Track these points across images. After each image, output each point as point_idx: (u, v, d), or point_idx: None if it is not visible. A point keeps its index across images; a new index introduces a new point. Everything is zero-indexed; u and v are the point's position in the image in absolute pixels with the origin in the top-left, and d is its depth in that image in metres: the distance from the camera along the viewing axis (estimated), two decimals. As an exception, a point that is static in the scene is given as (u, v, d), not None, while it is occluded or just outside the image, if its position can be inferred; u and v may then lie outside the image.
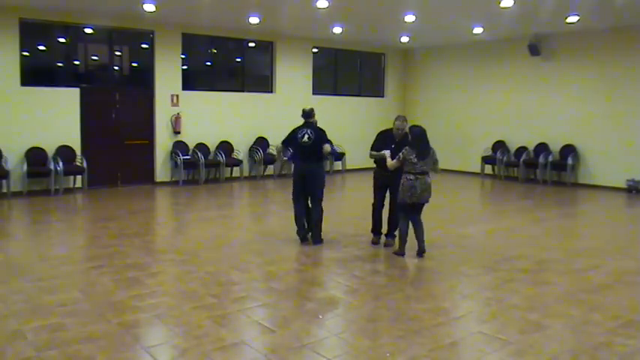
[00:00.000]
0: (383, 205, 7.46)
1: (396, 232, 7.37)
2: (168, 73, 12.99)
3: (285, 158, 7.17)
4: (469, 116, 15.86)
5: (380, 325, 4.85)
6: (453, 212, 10.21)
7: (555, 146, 13.96)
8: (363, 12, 11.49)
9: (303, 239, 7.47)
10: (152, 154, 13.02)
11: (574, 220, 10.27)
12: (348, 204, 11.26)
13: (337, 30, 13.56)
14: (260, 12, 11.57)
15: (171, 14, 11.86)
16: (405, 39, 15.17)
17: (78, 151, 11.85)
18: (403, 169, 6.76)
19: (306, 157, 7.33)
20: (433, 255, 6.98)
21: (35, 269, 6.22)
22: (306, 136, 7.23)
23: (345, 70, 17.03)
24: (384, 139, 7.32)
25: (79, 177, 11.89)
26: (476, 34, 13.90)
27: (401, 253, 6.89)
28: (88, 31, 12.28)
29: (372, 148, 7.40)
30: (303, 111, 7.41)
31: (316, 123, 7.51)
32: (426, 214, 7.29)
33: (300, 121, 7.46)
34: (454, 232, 8.34)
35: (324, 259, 7.00)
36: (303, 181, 7.37)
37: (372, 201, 7.53)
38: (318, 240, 7.44)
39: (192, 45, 13.63)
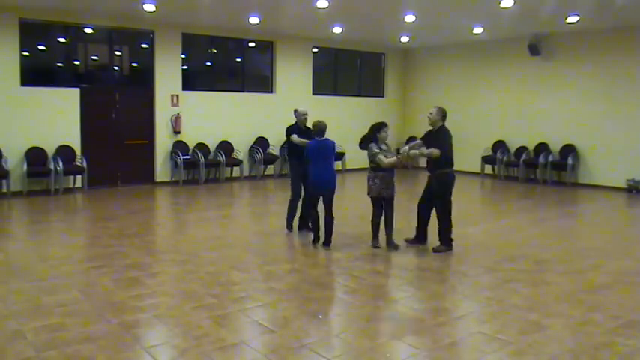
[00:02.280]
0: None
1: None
2: (168, 73, 12.99)
3: None
4: (469, 116, 15.85)
5: (380, 325, 4.85)
6: (453, 212, 10.18)
7: (555, 146, 13.96)
8: (363, 12, 11.49)
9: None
10: (152, 154, 13.02)
11: (574, 220, 10.27)
12: (348, 204, 11.24)
13: (337, 30, 13.56)
14: (260, 12, 11.56)
15: (171, 14, 11.86)
16: (405, 39, 15.17)
17: (78, 151, 11.85)
18: (375, 166, 7.03)
19: None
20: (433, 255, 6.98)
21: (35, 269, 6.22)
22: None
23: (345, 70, 17.03)
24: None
25: (79, 177, 11.89)
26: (476, 34, 13.89)
27: (377, 245, 7.20)
28: (88, 31, 12.28)
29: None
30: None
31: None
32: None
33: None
34: (454, 232, 8.31)
35: (324, 259, 7.00)
36: None
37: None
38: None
39: (192, 45, 13.62)
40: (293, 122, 8.12)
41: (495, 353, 4.20)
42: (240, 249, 7.34)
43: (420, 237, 7.40)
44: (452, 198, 7.15)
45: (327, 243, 7.29)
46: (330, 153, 7.38)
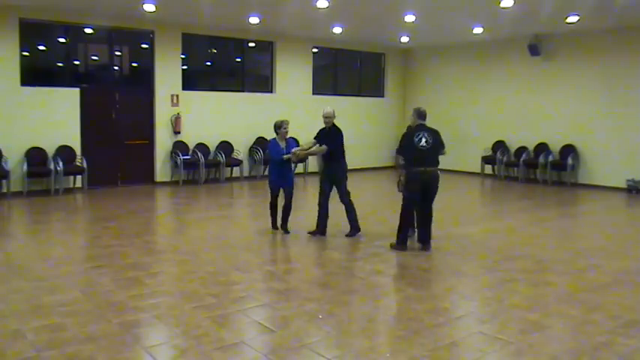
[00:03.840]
0: None
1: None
2: (168, 73, 12.99)
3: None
4: (469, 116, 15.86)
5: (380, 325, 4.85)
6: (453, 212, 10.19)
7: (555, 146, 13.96)
8: (363, 12, 11.49)
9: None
10: (152, 154, 13.02)
11: (574, 220, 10.27)
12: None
13: (337, 30, 13.56)
14: (260, 12, 11.57)
15: (171, 14, 11.86)
16: (405, 39, 15.17)
17: (78, 151, 11.85)
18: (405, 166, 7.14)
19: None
20: (433, 255, 6.99)
21: (35, 269, 6.22)
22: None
23: (345, 70, 17.03)
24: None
25: (79, 177, 11.89)
26: (476, 34, 13.90)
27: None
28: (88, 31, 12.28)
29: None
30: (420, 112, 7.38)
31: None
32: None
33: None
34: (454, 232, 8.33)
35: (324, 259, 7.00)
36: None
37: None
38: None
39: (192, 45, 13.63)
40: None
41: (495, 353, 4.20)
42: (240, 249, 7.33)
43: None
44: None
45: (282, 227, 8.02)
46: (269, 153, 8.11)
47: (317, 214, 7.86)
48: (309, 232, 7.94)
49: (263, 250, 7.31)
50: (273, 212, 8.11)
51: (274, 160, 7.94)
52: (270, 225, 8.13)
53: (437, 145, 7.03)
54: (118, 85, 12.87)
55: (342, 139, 7.87)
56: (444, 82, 16.48)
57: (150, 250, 7.32)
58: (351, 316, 5.01)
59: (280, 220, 8.03)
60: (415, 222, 7.43)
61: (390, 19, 12.15)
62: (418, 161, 6.92)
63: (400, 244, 7.09)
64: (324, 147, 7.73)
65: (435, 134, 7.08)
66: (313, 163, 14.32)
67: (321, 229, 7.86)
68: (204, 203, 11.46)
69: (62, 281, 5.78)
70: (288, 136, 7.92)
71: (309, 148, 8.01)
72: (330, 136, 7.78)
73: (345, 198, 7.80)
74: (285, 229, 7.97)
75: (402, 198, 7.20)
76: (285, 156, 7.79)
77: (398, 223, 7.15)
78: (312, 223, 8.08)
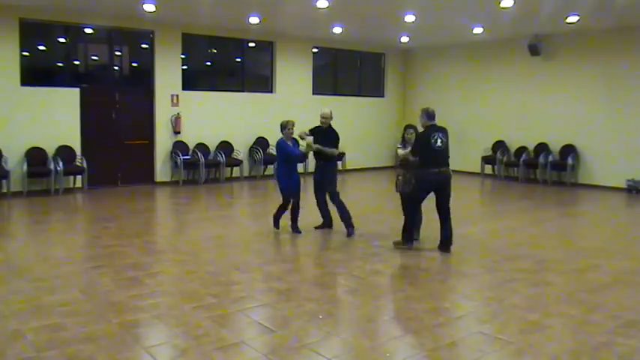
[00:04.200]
0: None
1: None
2: (168, 73, 12.98)
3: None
4: (469, 116, 15.86)
5: (380, 325, 4.85)
6: (453, 212, 10.17)
7: (555, 146, 13.96)
8: (363, 12, 11.49)
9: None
10: (152, 154, 13.02)
11: (574, 220, 10.27)
12: (349, 204, 11.23)
13: (337, 30, 13.56)
14: (260, 12, 11.57)
15: (171, 14, 11.86)
16: (405, 39, 15.17)
17: (78, 151, 11.85)
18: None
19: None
20: (434, 255, 6.99)
21: (35, 269, 6.22)
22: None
23: (345, 70, 17.03)
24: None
25: (79, 177, 11.89)
26: (476, 34, 13.89)
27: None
28: (88, 31, 12.28)
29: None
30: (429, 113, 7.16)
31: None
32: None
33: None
34: (454, 232, 8.31)
35: (324, 259, 7.01)
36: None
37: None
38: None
39: (192, 45, 13.63)
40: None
41: (495, 353, 4.20)
42: (240, 249, 7.34)
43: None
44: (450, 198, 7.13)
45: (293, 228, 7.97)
46: (278, 154, 7.98)
47: (318, 209, 8.11)
48: (315, 227, 8.11)
49: (263, 250, 7.31)
50: (278, 213, 7.96)
51: (290, 160, 7.72)
52: (271, 225, 8.11)
53: (448, 143, 7.05)
54: (118, 85, 12.86)
55: (338, 141, 8.02)
56: (444, 82, 16.48)
57: (150, 250, 7.31)
58: (351, 316, 5.02)
59: (290, 221, 7.95)
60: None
61: (390, 19, 12.15)
62: (434, 162, 6.90)
63: (405, 242, 7.09)
64: (335, 150, 7.87)
65: (446, 133, 7.07)
66: (312, 164, 14.32)
67: (326, 222, 8.11)
68: (204, 203, 11.46)
69: (62, 281, 5.78)
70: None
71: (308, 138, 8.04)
72: (330, 137, 7.88)
73: (336, 198, 7.87)
74: (295, 229, 7.91)
75: (401, 197, 7.21)
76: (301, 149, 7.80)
77: (403, 222, 7.16)
78: (313, 220, 8.10)
